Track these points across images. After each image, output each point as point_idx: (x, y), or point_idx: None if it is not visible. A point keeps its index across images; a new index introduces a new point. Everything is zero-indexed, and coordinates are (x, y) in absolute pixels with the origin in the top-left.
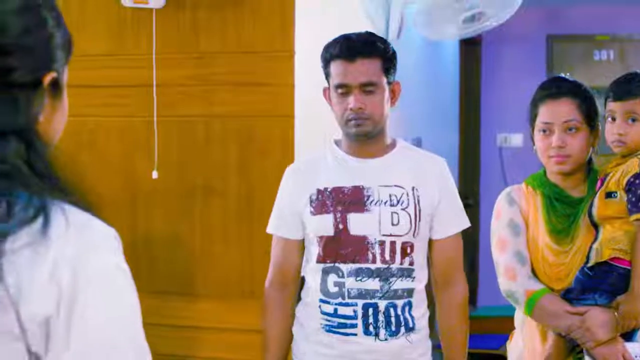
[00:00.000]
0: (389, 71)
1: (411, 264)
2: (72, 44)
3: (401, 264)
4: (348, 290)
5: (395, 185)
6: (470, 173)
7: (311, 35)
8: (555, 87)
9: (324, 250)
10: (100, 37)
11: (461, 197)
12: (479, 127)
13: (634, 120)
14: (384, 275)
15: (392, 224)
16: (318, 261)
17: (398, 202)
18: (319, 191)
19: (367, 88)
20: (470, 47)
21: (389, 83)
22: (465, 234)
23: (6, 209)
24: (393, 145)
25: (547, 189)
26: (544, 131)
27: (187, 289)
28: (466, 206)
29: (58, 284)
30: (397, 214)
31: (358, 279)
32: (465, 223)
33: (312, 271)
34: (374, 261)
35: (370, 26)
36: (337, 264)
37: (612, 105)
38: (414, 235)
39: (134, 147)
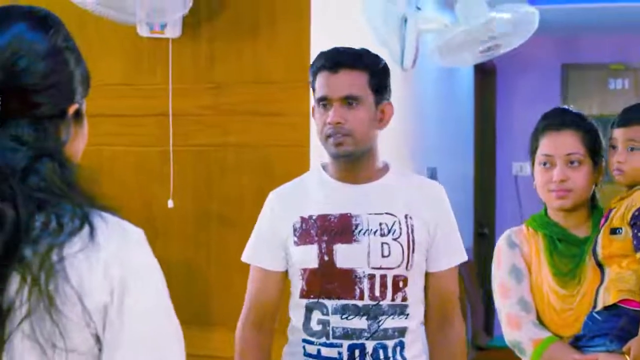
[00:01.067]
0: (377, 88)
1: (404, 299)
2: (90, 78)
3: (393, 300)
4: (333, 329)
5: (387, 213)
6: (485, 202)
7: None
8: (558, 118)
9: (308, 285)
10: (116, 67)
11: (477, 226)
12: (495, 156)
13: (632, 149)
14: (372, 313)
15: (383, 256)
16: (301, 296)
17: (389, 231)
18: (302, 219)
19: (349, 101)
20: (485, 76)
21: (378, 102)
22: (480, 262)
23: (56, 222)
24: (385, 169)
25: (549, 229)
26: (545, 164)
27: (203, 319)
28: (482, 235)
29: (111, 278)
30: (388, 244)
31: (344, 316)
32: (463, 256)
33: (295, 307)
34: (361, 297)
35: (387, 55)
36: (321, 300)
37: (615, 133)
38: (407, 267)
39: (149, 176)
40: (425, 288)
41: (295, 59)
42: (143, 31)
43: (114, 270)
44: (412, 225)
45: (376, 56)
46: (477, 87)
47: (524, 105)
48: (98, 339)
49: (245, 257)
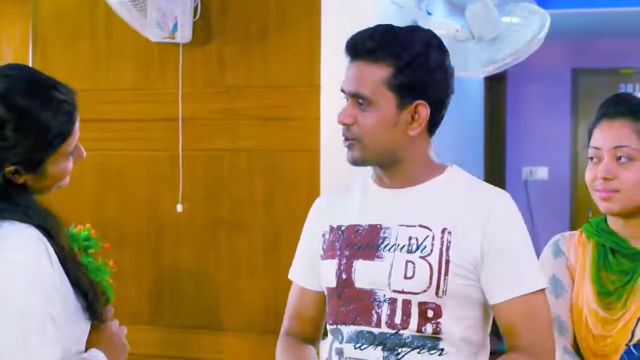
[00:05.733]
0: (404, 86)
1: (436, 332)
2: (51, 134)
3: (419, 331)
4: None
5: (420, 226)
6: None
7: (337, 70)
8: (612, 106)
9: (328, 307)
10: (127, 72)
11: None
12: (505, 161)
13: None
14: (389, 343)
15: (405, 277)
16: (327, 321)
17: (417, 247)
18: (331, 229)
19: (358, 101)
20: (495, 82)
21: (405, 103)
22: None
23: None
24: (439, 171)
25: (603, 237)
26: (592, 159)
27: (213, 323)
28: None
29: None
30: (414, 263)
31: (357, 345)
32: (532, 285)
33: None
34: (378, 324)
35: None
36: (339, 326)
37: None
38: (437, 293)
39: (159, 180)
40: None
41: (306, 63)
42: (154, 36)
43: None
44: (448, 242)
45: (413, 42)
46: (487, 91)
47: (534, 109)
48: None
49: (289, 273)
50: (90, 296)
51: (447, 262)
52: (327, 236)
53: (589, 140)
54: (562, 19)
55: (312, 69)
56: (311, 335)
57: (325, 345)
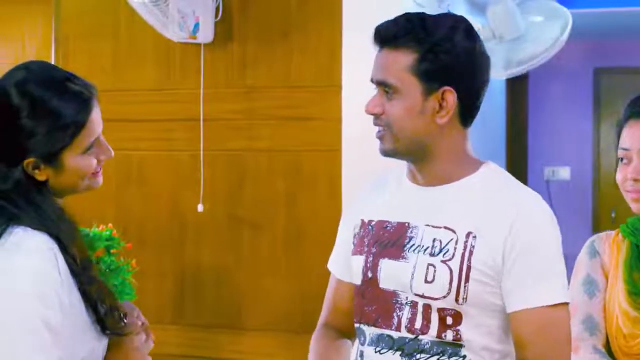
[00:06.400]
0: (429, 72)
1: (457, 339)
2: (74, 123)
3: (439, 337)
4: None
5: (445, 227)
6: None
7: (358, 69)
8: (639, 106)
9: (355, 305)
10: (148, 72)
11: None
12: (526, 160)
13: None
14: (408, 349)
15: (426, 281)
16: (354, 319)
17: (440, 251)
18: (362, 223)
19: (385, 89)
20: (517, 81)
21: (431, 89)
22: None
23: None
24: (473, 168)
25: (637, 237)
26: (621, 159)
27: (234, 323)
28: None
29: None
30: (435, 267)
31: (377, 349)
32: (554, 297)
33: None
34: (398, 328)
35: None
36: (361, 326)
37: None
38: (457, 300)
39: (180, 180)
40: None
41: (327, 63)
42: (176, 36)
43: None
44: (472, 247)
45: (438, 27)
46: (508, 91)
47: (555, 109)
48: None
49: (329, 260)
50: (101, 310)
51: (469, 268)
52: (357, 230)
53: (618, 141)
54: (584, 19)
55: (333, 69)
56: (347, 328)
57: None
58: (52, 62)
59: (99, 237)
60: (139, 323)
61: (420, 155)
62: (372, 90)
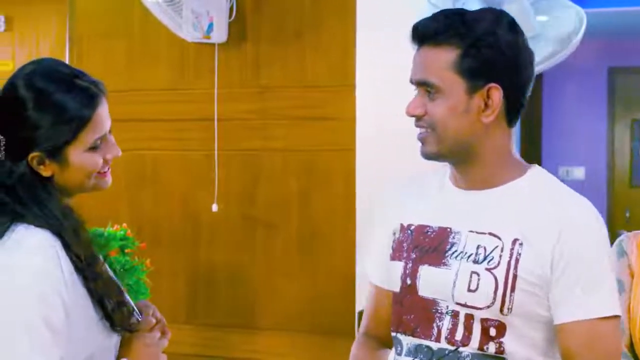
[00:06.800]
0: (473, 68)
1: (499, 352)
2: (78, 117)
3: (481, 349)
4: None
5: (490, 234)
6: None
7: (372, 68)
8: None
9: (392, 312)
10: (163, 72)
11: None
12: (540, 160)
13: None
14: None
15: (469, 290)
16: (391, 327)
17: (485, 258)
18: (402, 227)
19: (427, 89)
20: None
21: (476, 87)
22: None
23: None
24: (519, 172)
25: None
26: None
27: (248, 322)
28: None
29: None
30: (478, 275)
31: None
32: (603, 309)
33: None
34: (437, 338)
35: None
36: (398, 335)
37: None
38: (501, 310)
39: (194, 180)
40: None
41: (341, 62)
42: (190, 36)
43: None
44: (518, 255)
45: (479, 21)
46: None
47: (570, 108)
48: None
49: (367, 266)
50: (108, 305)
51: (515, 277)
52: (397, 235)
53: None
54: (598, 18)
55: (347, 68)
56: (389, 337)
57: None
58: (67, 62)
59: (114, 237)
60: (153, 321)
61: (464, 157)
62: (386, 88)
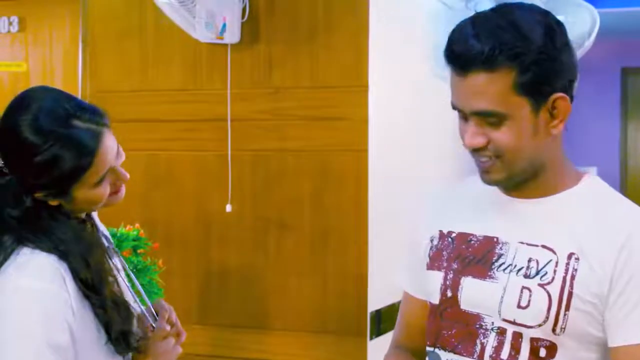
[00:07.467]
0: (535, 84)
1: None
2: (76, 169)
3: None
4: None
5: (543, 246)
6: None
7: (385, 69)
8: None
9: (428, 324)
10: (175, 72)
11: None
12: None
13: None
14: None
15: (519, 306)
16: (426, 340)
17: (537, 273)
18: (441, 235)
19: (488, 120)
20: None
21: (541, 103)
22: None
23: None
24: (574, 180)
25: None
26: None
27: (260, 323)
28: None
29: None
30: (530, 291)
31: None
32: None
33: None
34: (480, 356)
35: None
36: (436, 350)
37: None
38: (554, 330)
39: (208, 181)
40: None
41: (354, 63)
42: (203, 37)
43: None
44: (574, 271)
45: (532, 31)
46: None
47: (583, 109)
48: None
49: (399, 275)
50: (113, 331)
51: (570, 294)
52: (435, 242)
53: None
54: (612, 18)
55: (359, 69)
56: (423, 350)
57: None
58: (80, 63)
59: (127, 237)
60: (167, 327)
61: (532, 173)
62: (399, 90)
